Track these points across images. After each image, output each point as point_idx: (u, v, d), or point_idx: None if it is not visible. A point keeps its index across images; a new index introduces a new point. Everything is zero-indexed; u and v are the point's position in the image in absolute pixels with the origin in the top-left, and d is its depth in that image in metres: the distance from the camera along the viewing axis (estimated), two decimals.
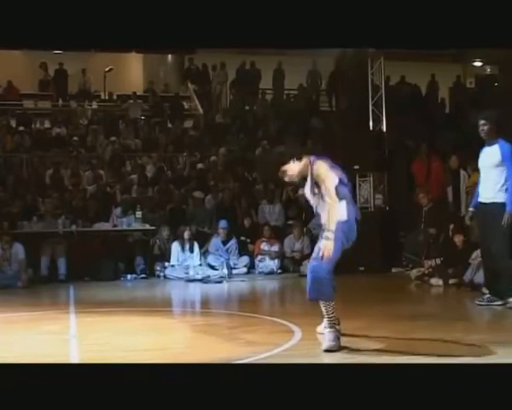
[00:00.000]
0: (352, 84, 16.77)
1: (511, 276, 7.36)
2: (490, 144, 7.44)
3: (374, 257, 11.97)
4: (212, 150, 16.41)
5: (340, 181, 5.49)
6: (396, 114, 14.97)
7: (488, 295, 7.53)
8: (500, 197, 7.29)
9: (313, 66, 20.44)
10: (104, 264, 11.98)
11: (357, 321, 6.90)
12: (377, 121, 13.05)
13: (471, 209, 7.81)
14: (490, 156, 7.41)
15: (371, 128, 13.10)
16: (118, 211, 12.86)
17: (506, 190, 7.26)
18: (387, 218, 12.73)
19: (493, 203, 7.32)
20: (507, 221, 7.21)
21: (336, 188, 5.45)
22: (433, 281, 10.09)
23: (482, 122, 7.47)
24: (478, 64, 23.52)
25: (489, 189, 7.39)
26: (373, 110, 13.06)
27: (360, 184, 13.05)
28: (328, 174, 5.45)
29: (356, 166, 12.74)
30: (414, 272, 10.78)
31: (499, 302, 7.43)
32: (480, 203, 7.50)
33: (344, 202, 5.49)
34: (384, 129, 13.03)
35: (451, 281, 9.73)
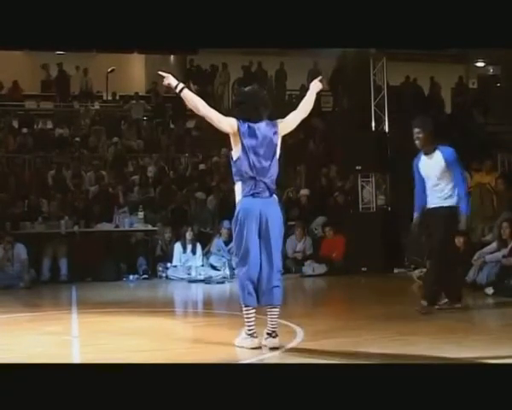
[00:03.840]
0: (354, 84, 16.78)
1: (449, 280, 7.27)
2: (428, 153, 7.23)
3: (376, 258, 11.97)
4: (214, 151, 16.42)
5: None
6: (398, 114, 14.97)
7: (446, 300, 7.42)
8: (449, 202, 7.08)
9: (314, 66, 20.44)
10: (106, 264, 11.99)
11: (357, 321, 6.89)
12: (379, 122, 13.04)
13: (416, 215, 7.54)
14: (433, 165, 7.19)
15: (373, 128, 13.09)
16: (120, 211, 12.88)
17: (455, 194, 7.06)
18: (390, 218, 12.71)
19: (441, 207, 7.12)
20: (465, 223, 7.04)
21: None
22: None
23: (417, 130, 7.27)
24: (480, 64, 23.51)
25: (438, 196, 7.17)
26: (375, 110, 13.05)
27: (362, 185, 13.05)
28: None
29: (358, 167, 12.74)
30: (416, 273, 10.76)
31: (459, 305, 7.36)
32: (432, 209, 7.26)
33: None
34: (386, 129, 13.02)
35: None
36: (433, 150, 7.20)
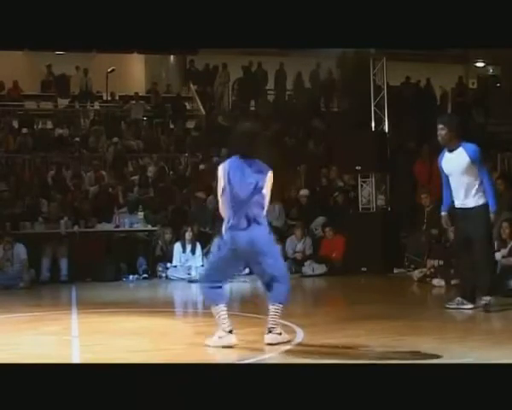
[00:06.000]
0: (354, 84, 16.78)
1: (488, 277, 7.31)
2: (451, 149, 7.25)
3: (376, 258, 11.96)
4: (213, 151, 16.41)
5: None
6: (398, 115, 14.97)
7: (458, 298, 7.43)
8: (480, 200, 7.13)
9: (316, 67, 20.45)
10: (106, 264, 11.98)
11: (357, 322, 6.89)
12: (379, 122, 13.04)
13: (444, 213, 7.57)
14: (457, 162, 7.21)
15: (373, 128, 13.09)
16: (120, 212, 12.88)
17: (484, 191, 7.12)
18: (389, 219, 12.72)
19: (476, 207, 7.15)
20: (494, 221, 7.15)
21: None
22: (435, 282, 10.09)
23: (440, 127, 7.28)
24: (480, 64, 23.51)
25: (466, 194, 7.19)
26: (375, 111, 13.05)
27: (362, 185, 13.05)
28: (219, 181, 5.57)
29: (358, 167, 12.74)
30: (416, 273, 10.77)
31: (469, 306, 7.33)
32: (461, 209, 7.28)
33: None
34: (386, 129, 13.02)
35: (453, 282, 9.71)
36: (457, 147, 7.23)
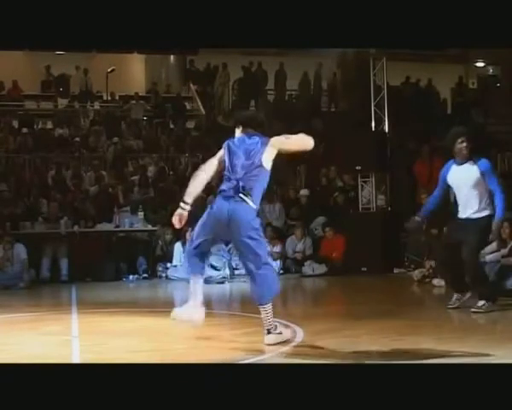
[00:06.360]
0: (354, 84, 16.79)
1: (479, 282, 7.23)
2: (462, 163, 7.09)
3: (376, 258, 11.97)
4: (214, 151, 16.36)
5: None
6: (398, 115, 14.97)
7: (457, 295, 7.40)
8: (483, 212, 7.00)
9: (318, 67, 20.46)
10: (106, 264, 11.99)
11: (357, 322, 6.89)
12: (379, 122, 13.04)
13: (418, 218, 7.65)
14: (467, 175, 7.05)
15: (373, 128, 13.10)
16: (120, 211, 12.88)
17: (490, 203, 6.98)
18: (389, 218, 12.72)
19: (479, 218, 7.02)
20: (496, 228, 7.02)
21: None
22: (435, 282, 10.10)
23: (461, 139, 7.07)
24: (480, 64, 23.52)
25: (473, 206, 7.04)
26: (375, 111, 13.05)
27: (362, 185, 13.05)
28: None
29: (358, 167, 12.76)
30: (416, 273, 10.78)
31: (468, 295, 7.30)
32: (465, 219, 7.11)
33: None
34: (386, 129, 13.02)
35: None
36: (467, 161, 7.07)
